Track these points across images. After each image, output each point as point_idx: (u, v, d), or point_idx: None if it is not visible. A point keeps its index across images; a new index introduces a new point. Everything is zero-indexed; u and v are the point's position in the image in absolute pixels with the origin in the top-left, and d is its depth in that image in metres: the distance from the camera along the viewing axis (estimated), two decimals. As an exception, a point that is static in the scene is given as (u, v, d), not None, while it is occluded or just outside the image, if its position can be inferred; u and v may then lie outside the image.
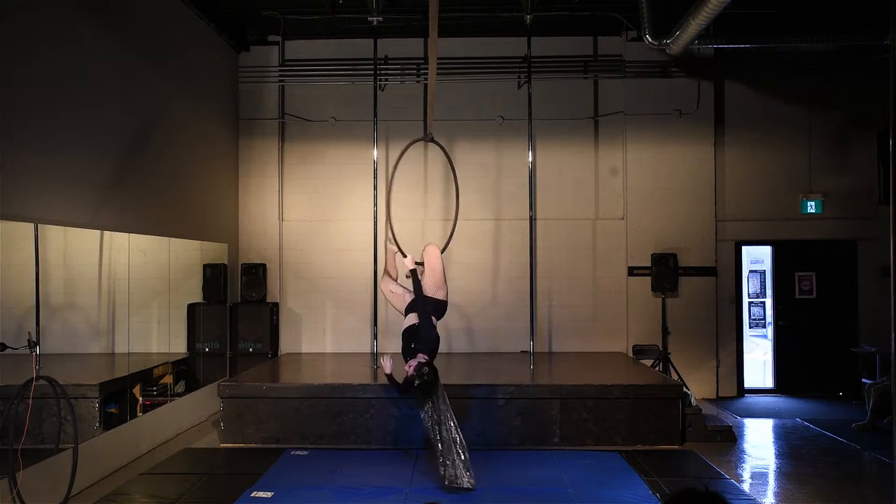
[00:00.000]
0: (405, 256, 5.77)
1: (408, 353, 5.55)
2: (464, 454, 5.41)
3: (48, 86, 5.48)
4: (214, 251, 8.80)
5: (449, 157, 6.72)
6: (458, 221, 6.64)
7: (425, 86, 9.67)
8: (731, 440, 7.02)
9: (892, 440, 4.62)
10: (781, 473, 6.19)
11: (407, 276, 5.74)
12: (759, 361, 10.00)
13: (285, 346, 9.55)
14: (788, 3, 8.59)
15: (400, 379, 5.55)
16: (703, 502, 1.96)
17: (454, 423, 5.49)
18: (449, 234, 6.57)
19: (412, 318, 5.64)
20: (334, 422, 6.85)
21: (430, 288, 5.64)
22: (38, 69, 5.36)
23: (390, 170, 9.41)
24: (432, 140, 6.44)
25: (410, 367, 5.41)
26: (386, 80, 9.53)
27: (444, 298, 5.71)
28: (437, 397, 5.50)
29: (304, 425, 6.87)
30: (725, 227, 9.45)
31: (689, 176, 9.37)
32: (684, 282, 9.29)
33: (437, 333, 5.59)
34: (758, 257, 10.06)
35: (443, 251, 5.93)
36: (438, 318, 5.67)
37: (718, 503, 1.96)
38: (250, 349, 9.07)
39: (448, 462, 5.36)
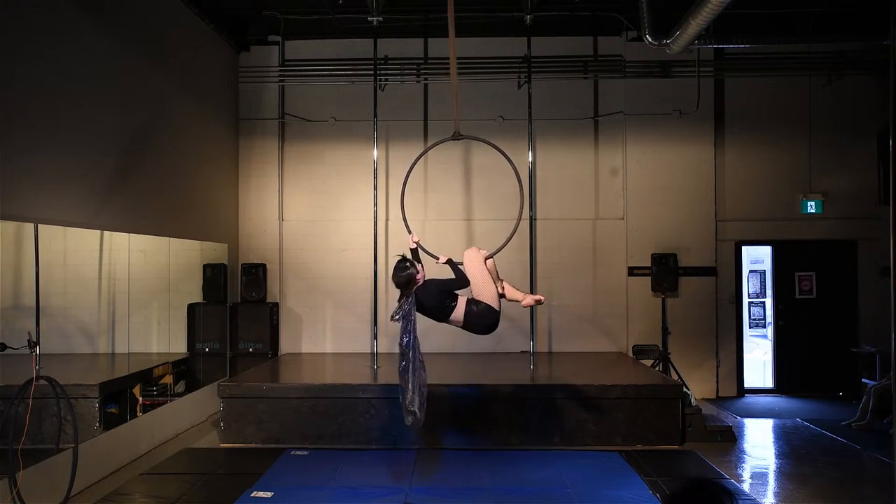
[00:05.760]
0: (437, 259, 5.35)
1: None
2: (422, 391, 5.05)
3: (48, 86, 5.48)
4: (214, 251, 8.80)
5: (504, 152, 5.99)
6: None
7: (425, 86, 9.69)
8: (731, 440, 7.02)
9: (892, 440, 4.62)
10: (781, 473, 6.18)
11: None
12: (759, 361, 10.00)
13: (285, 346, 9.55)
14: (789, 3, 8.59)
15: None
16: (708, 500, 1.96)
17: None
18: (508, 236, 5.58)
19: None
20: (334, 422, 6.85)
21: (475, 291, 5.13)
22: (38, 69, 5.36)
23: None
24: (461, 138, 5.84)
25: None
26: (386, 80, 9.53)
27: (494, 306, 5.04)
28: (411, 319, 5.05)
29: (304, 425, 6.87)
30: (725, 227, 9.45)
31: (688, 176, 9.37)
32: (684, 282, 9.28)
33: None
34: (758, 257, 10.05)
35: (490, 256, 5.28)
36: (484, 327, 5.13)
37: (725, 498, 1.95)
38: (250, 349, 9.06)
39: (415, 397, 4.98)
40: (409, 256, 5.16)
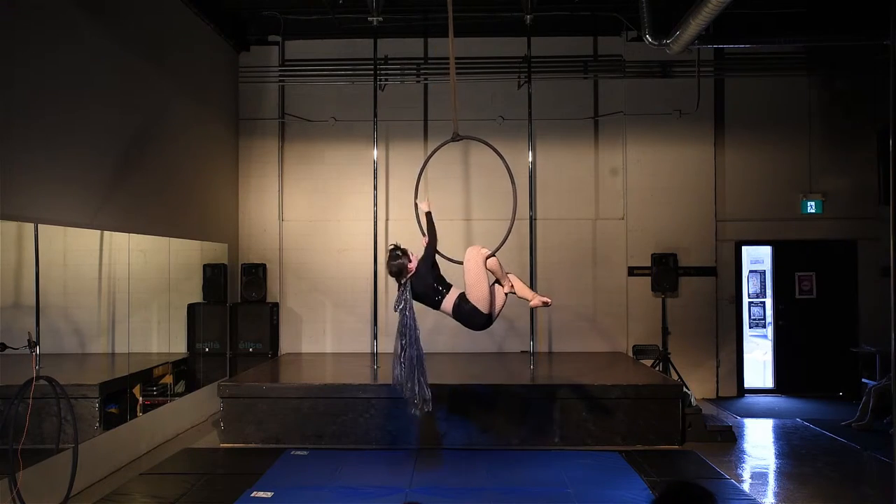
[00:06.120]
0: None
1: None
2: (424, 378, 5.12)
3: (48, 86, 5.48)
4: (214, 251, 8.80)
5: (496, 149, 5.76)
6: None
7: (425, 86, 9.69)
8: (731, 440, 7.01)
9: (892, 440, 4.62)
10: (781, 473, 6.19)
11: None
12: (759, 361, 10.01)
13: (285, 346, 9.55)
14: (788, 3, 8.59)
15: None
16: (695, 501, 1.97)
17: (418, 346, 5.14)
18: (505, 235, 5.46)
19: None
20: (334, 422, 6.85)
21: (467, 290, 5.07)
22: (38, 69, 5.36)
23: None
24: (460, 138, 5.71)
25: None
26: (386, 80, 9.53)
27: (482, 309, 4.98)
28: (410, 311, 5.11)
29: (304, 425, 6.87)
30: (725, 227, 9.45)
31: (689, 176, 9.37)
32: (684, 282, 9.28)
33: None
34: (758, 257, 10.05)
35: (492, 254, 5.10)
36: (475, 325, 5.12)
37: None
38: (250, 349, 9.06)
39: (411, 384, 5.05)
40: (399, 245, 5.19)
